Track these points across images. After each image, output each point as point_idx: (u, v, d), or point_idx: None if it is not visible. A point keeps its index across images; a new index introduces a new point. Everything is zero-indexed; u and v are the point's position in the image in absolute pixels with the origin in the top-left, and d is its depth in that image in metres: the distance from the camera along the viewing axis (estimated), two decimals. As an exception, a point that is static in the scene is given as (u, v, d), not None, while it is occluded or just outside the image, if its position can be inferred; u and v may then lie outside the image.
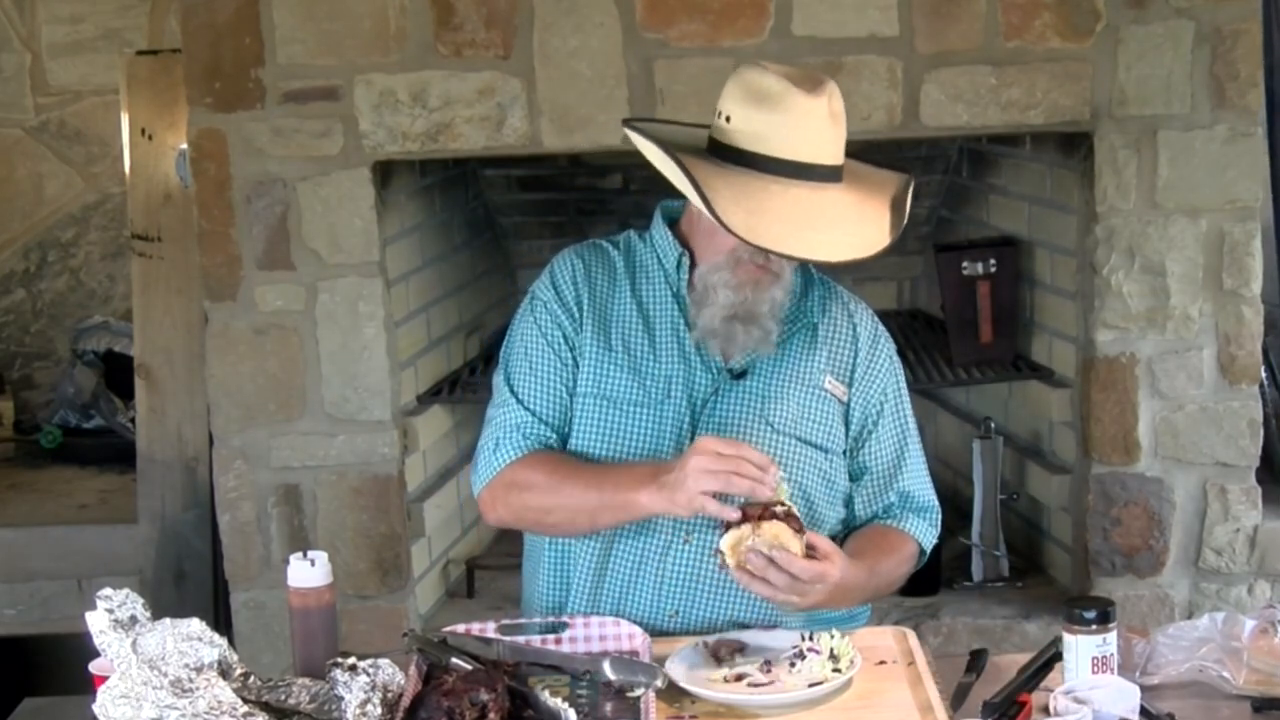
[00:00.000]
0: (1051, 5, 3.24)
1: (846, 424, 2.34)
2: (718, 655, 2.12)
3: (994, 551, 3.65)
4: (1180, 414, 3.40)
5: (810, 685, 2.00)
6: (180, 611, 2.04)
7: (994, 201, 3.90)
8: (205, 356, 3.43)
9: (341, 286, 3.34)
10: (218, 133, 3.30)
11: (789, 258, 2.15)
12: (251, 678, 1.96)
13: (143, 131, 3.95)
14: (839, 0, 3.23)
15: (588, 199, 4.12)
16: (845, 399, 2.34)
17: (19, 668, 4.03)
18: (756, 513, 2.05)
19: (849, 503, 2.36)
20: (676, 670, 2.03)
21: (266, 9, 3.24)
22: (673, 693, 2.00)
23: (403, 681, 1.96)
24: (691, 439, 2.25)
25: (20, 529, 4.11)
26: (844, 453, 2.34)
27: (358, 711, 1.87)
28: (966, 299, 3.71)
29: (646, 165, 2.21)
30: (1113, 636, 1.95)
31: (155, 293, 3.98)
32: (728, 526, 2.07)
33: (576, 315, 2.32)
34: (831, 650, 2.07)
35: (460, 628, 2.14)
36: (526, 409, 2.31)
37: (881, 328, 2.41)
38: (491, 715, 1.85)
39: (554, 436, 2.31)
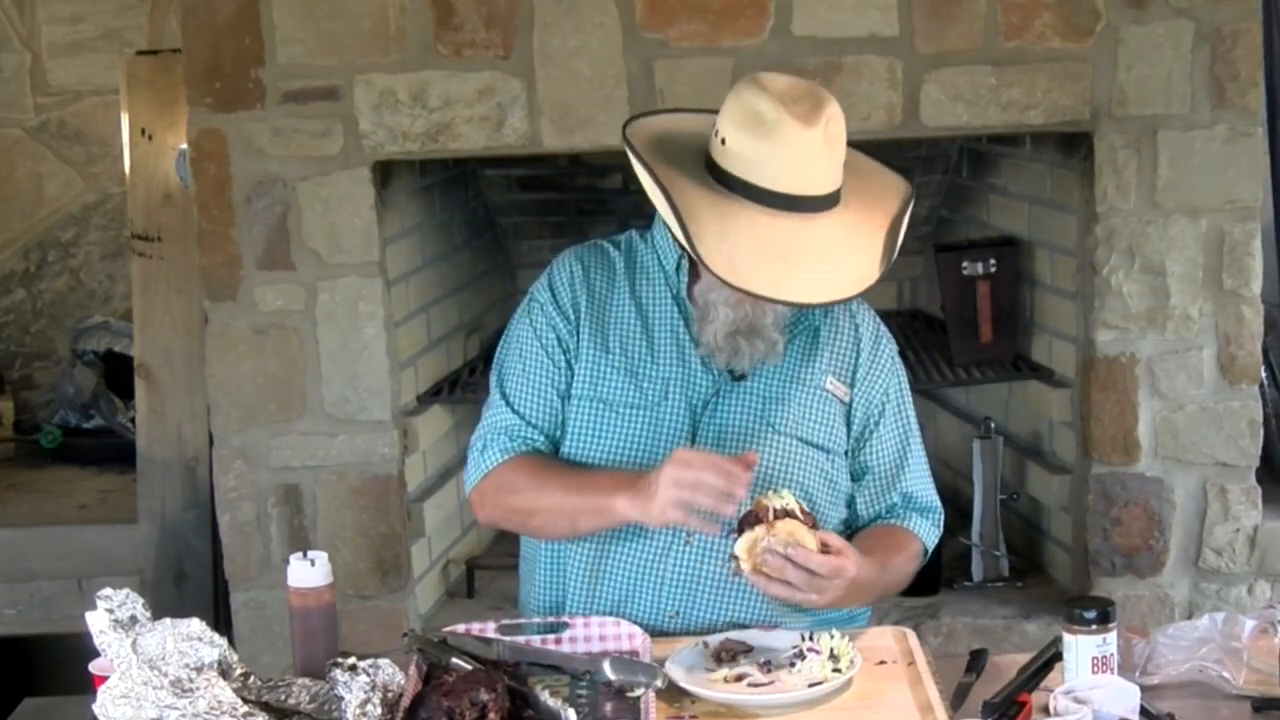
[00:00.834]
0: (1051, 5, 3.24)
1: (848, 424, 2.34)
2: (718, 655, 2.12)
3: (994, 551, 3.65)
4: (1180, 414, 3.40)
5: (810, 685, 2.00)
6: (180, 611, 2.04)
7: (994, 201, 3.90)
8: (205, 356, 3.43)
9: (341, 286, 3.34)
10: (218, 133, 3.30)
11: (771, 301, 2.11)
12: (251, 678, 1.96)
13: (143, 131, 3.95)
14: (839, 0, 3.23)
15: (588, 199, 4.12)
16: (847, 399, 2.33)
17: (19, 668, 4.03)
18: (768, 515, 2.05)
19: (851, 503, 2.36)
20: (676, 670, 2.03)
21: (266, 9, 3.24)
22: (673, 693, 2.00)
23: (403, 681, 1.96)
24: (692, 442, 2.25)
25: (20, 529, 4.11)
26: (846, 453, 2.34)
27: (358, 711, 1.87)
28: (966, 299, 3.71)
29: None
30: (1113, 636, 1.95)
31: (155, 293, 3.98)
32: (740, 531, 2.07)
33: (573, 319, 2.32)
34: (831, 650, 2.07)
35: (460, 628, 2.15)
36: (515, 412, 2.31)
37: (884, 328, 2.41)
38: (491, 715, 1.85)
39: (541, 439, 2.31)
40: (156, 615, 1.96)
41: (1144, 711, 1.88)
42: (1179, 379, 3.39)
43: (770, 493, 2.10)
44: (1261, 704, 1.97)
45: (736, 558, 2.07)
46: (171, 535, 3.93)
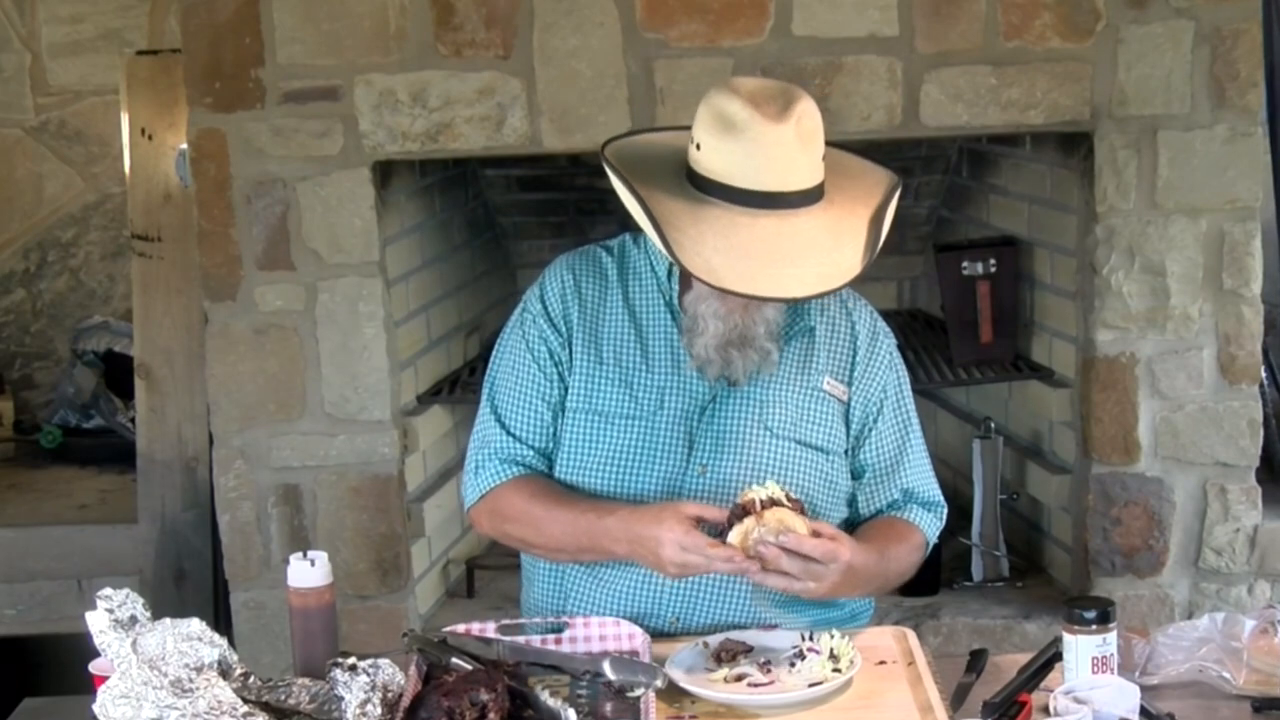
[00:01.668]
0: (1051, 5, 3.24)
1: (847, 423, 2.33)
2: (718, 655, 2.11)
3: (994, 551, 3.65)
4: (1180, 414, 3.40)
5: (810, 685, 2.00)
6: (180, 611, 2.04)
7: (994, 201, 3.90)
8: (205, 356, 3.43)
9: (341, 286, 3.34)
10: (218, 133, 3.30)
11: (753, 298, 2.10)
12: (251, 678, 1.96)
13: (143, 131, 3.95)
14: (839, 0, 3.23)
15: (588, 199, 4.12)
16: (846, 398, 2.33)
17: (19, 668, 4.03)
18: (756, 507, 2.05)
19: (852, 502, 2.36)
20: (676, 670, 2.03)
21: (266, 9, 3.24)
22: (673, 693, 2.00)
23: (403, 681, 1.96)
24: (689, 450, 2.25)
25: (20, 529, 4.11)
26: (846, 452, 2.34)
27: (358, 711, 1.87)
28: (966, 299, 3.71)
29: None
30: (1113, 636, 1.95)
31: (155, 293, 3.98)
32: (730, 524, 2.07)
33: (564, 332, 2.31)
34: (831, 650, 2.07)
35: (460, 628, 2.15)
36: (506, 429, 2.32)
37: (881, 324, 2.39)
38: (491, 715, 1.85)
39: (533, 455, 2.31)
40: (156, 615, 1.96)
41: (1144, 711, 1.88)
42: (1179, 379, 3.39)
43: (754, 485, 2.09)
44: (1261, 704, 1.97)
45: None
46: (171, 535, 3.93)
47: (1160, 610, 3.45)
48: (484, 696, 1.87)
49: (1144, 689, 1.92)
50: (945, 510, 2.41)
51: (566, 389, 2.31)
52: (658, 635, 2.21)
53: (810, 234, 2.10)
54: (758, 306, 2.17)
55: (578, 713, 1.87)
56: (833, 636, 2.10)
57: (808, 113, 2.10)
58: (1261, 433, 3.44)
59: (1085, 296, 3.42)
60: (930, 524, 2.36)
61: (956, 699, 2.01)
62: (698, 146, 2.13)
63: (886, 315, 2.46)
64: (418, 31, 3.24)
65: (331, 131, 3.28)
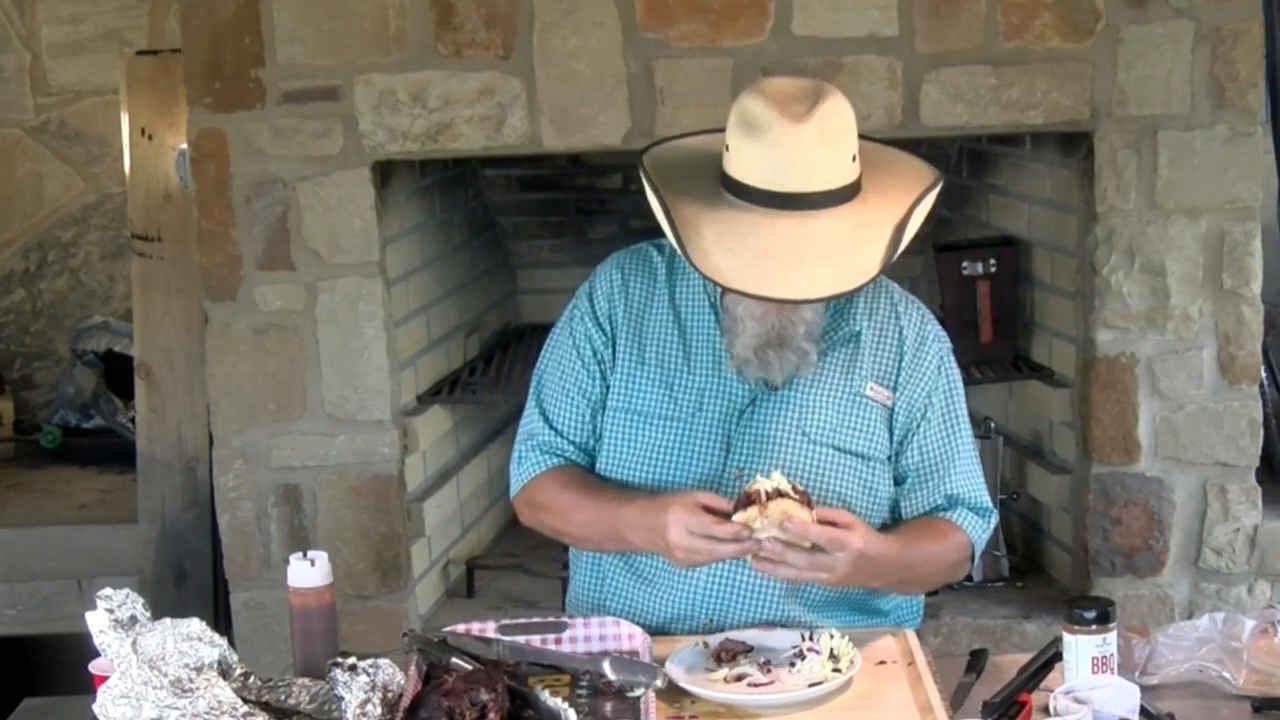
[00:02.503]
0: (1051, 5, 3.24)
1: (891, 429, 2.31)
2: (718, 655, 2.11)
3: (994, 551, 3.65)
4: (1180, 414, 3.40)
5: (810, 685, 2.00)
6: (180, 611, 2.04)
7: (994, 201, 3.91)
8: (205, 356, 3.43)
9: (341, 286, 3.34)
10: (218, 133, 3.30)
11: (763, 299, 2.11)
12: (251, 678, 1.97)
13: (143, 131, 3.95)
14: (839, 0, 3.23)
15: (588, 199, 4.12)
16: (890, 403, 2.30)
17: (19, 668, 4.03)
18: (761, 498, 2.04)
19: (895, 507, 2.33)
20: (676, 670, 2.03)
21: (266, 9, 3.24)
22: (673, 693, 2.00)
23: (403, 681, 1.96)
24: (727, 452, 2.25)
25: (20, 529, 4.11)
26: (889, 458, 2.31)
27: (358, 711, 1.87)
28: (966, 299, 3.71)
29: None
30: (1113, 636, 1.95)
31: (155, 293, 3.98)
32: (735, 512, 2.06)
33: (608, 331, 2.32)
34: (831, 650, 2.07)
35: (460, 628, 2.15)
36: (550, 424, 2.34)
37: (933, 328, 2.36)
38: (491, 715, 1.85)
39: (573, 449, 2.34)
40: (156, 615, 1.96)
41: (1144, 711, 1.88)
42: (1179, 379, 3.39)
43: (760, 476, 2.09)
44: (1261, 704, 1.97)
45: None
46: (171, 535, 3.93)
47: (1160, 610, 3.45)
48: (484, 696, 1.87)
49: (1144, 689, 1.92)
50: (995, 516, 2.37)
51: (608, 387, 2.32)
52: (692, 634, 2.21)
53: (832, 235, 2.10)
54: (793, 308, 2.17)
55: (578, 713, 1.87)
56: (833, 636, 2.10)
57: (834, 111, 2.10)
58: (1261, 433, 3.44)
59: (1085, 296, 3.42)
60: (976, 527, 2.31)
61: (956, 699, 2.01)
62: (727, 148, 2.15)
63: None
64: (418, 31, 3.24)
65: (331, 131, 3.28)
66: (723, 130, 2.19)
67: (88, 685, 1.93)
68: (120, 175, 4.32)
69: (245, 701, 1.87)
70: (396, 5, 3.23)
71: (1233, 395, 3.40)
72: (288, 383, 3.38)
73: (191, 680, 1.86)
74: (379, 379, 3.38)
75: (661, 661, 2.05)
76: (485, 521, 4.00)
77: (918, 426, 2.31)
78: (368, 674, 1.93)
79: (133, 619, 1.92)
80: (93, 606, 1.91)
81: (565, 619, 2.20)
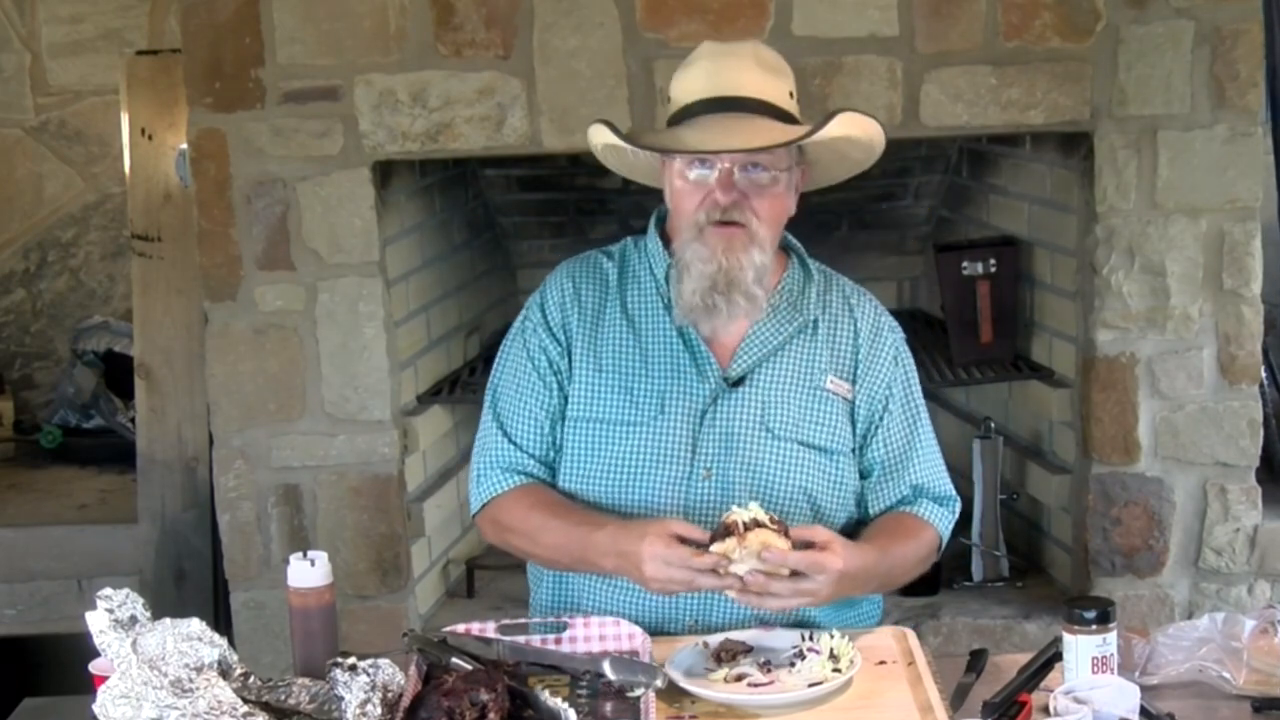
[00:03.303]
0: (1051, 5, 3.24)
1: (853, 422, 2.32)
2: (718, 655, 2.11)
3: (994, 551, 3.65)
4: (1180, 414, 3.40)
5: (810, 685, 2.00)
6: (180, 611, 2.04)
7: (994, 201, 3.90)
8: (205, 356, 3.43)
9: (341, 286, 3.34)
10: (218, 133, 3.30)
11: (696, 153, 2.17)
12: (251, 678, 1.97)
13: (143, 131, 3.95)
14: (839, 0, 3.23)
15: (588, 199, 4.12)
16: (850, 396, 2.32)
17: (19, 668, 4.03)
18: (739, 529, 2.04)
19: (861, 500, 2.34)
20: (676, 670, 2.03)
21: (266, 9, 3.24)
22: (673, 693, 2.00)
23: (403, 681, 1.96)
24: (693, 453, 2.24)
25: (20, 529, 4.11)
26: (853, 451, 2.32)
27: (358, 711, 1.87)
28: (966, 299, 3.71)
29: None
30: (1113, 636, 1.95)
31: (155, 293, 3.98)
32: (712, 543, 2.05)
33: (563, 341, 2.32)
34: (831, 650, 2.07)
35: (460, 628, 2.15)
36: (509, 438, 2.33)
37: (886, 319, 2.38)
38: (491, 715, 1.85)
39: (533, 463, 2.32)
40: (156, 615, 1.96)
41: (1144, 711, 1.88)
42: (1179, 379, 3.39)
43: (736, 508, 2.08)
44: (1261, 704, 1.97)
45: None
46: (171, 535, 3.93)
47: (1160, 610, 3.45)
48: (484, 696, 1.87)
49: (1144, 689, 1.92)
50: (959, 504, 2.38)
51: (566, 398, 2.31)
52: (676, 634, 2.21)
53: (763, 124, 2.17)
54: (740, 245, 2.19)
55: (578, 713, 1.87)
56: (833, 636, 2.10)
57: (768, 52, 2.25)
58: (1261, 433, 3.44)
59: (1085, 296, 3.42)
60: (942, 518, 2.34)
61: (956, 699, 2.01)
62: (668, 100, 2.27)
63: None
64: (418, 31, 3.24)
65: (331, 131, 3.28)
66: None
67: (88, 685, 1.93)
68: (120, 175, 4.32)
69: (245, 701, 1.87)
70: (396, 5, 3.23)
71: (1233, 395, 3.40)
72: (288, 383, 3.38)
73: (191, 680, 1.86)
74: (379, 379, 3.38)
75: (661, 662, 2.05)
76: (485, 521, 3.99)
77: (880, 419, 2.33)
78: (368, 674, 1.93)
79: (133, 619, 1.92)
80: (93, 606, 1.91)
81: (565, 619, 2.20)
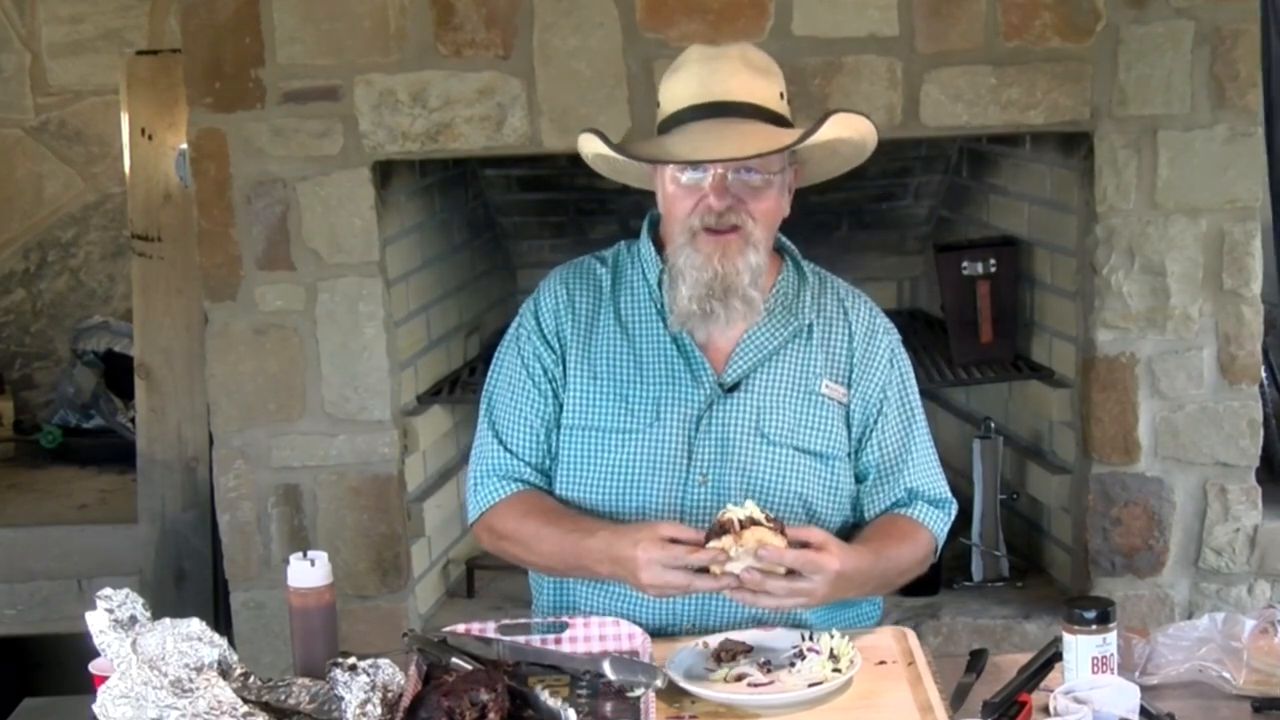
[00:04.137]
0: (1051, 5, 3.24)
1: (849, 425, 2.32)
2: (718, 655, 2.11)
3: (994, 551, 3.65)
4: (1180, 414, 3.41)
5: (810, 685, 2.00)
6: (180, 611, 2.04)
7: (994, 201, 3.91)
8: (205, 356, 3.43)
9: (341, 286, 3.34)
10: (218, 133, 3.30)
11: (688, 162, 2.16)
12: (251, 678, 1.97)
13: (143, 131, 3.95)
14: (839, 0, 3.23)
15: (588, 199, 4.12)
16: (846, 400, 2.31)
17: (19, 668, 4.03)
18: (734, 527, 2.04)
19: (857, 504, 2.34)
20: (676, 670, 2.03)
21: (266, 9, 3.24)
22: (673, 693, 2.00)
23: (403, 681, 1.97)
24: (689, 460, 2.24)
25: (20, 529, 4.11)
26: (848, 455, 2.32)
27: (358, 711, 1.87)
28: (966, 299, 3.71)
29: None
30: (1113, 636, 1.95)
31: (155, 293, 3.98)
32: (707, 542, 2.05)
33: (557, 349, 2.31)
34: (831, 650, 2.07)
35: (460, 628, 2.15)
36: (505, 447, 2.32)
37: (881, 320, 2.37)
38: (491, 715, 1.85)
39: (529, 471, 2.32)
40: (156, 615, 1.96)
41: (1144, 711, 1.88)
42: (1179, 379, 3.39)
43: (731, 505, 2.08)
44: (1261, 704, 1.97)
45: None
46: (171, 535, 3.93)
47: (1160, 610, 3.45)
48: (484, 696, 1.87)
49: (1144, 689, 1.92)
50: (954, 506, 2.38)
51: (561, 405, 2.31)
52: (673, 634, 2.21)
53: (754, 128, 2.16)
54: (735, 249, 2.18)
55: (578, 713, 1.87)
56: (833, 636, 2.10)
57: (757, 53, 2.23)
58: (1261, 433, 3.44)
59: (1085, 296, 3.42)
60: (937, 521, 2.33)
61: (956, 699, 2.01)
62: (658, 105, 2.24)
63: (886, 315, 2.44)
64: (418, 31, 3.24)
65: (331, 131, 3.28)
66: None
67: (88, 685, 1.93)
68: (120, 175, 4.32)
69: (245, 701, 1.88)
70: (396, 5, 3.23)
71: (1233, 395, 3.40)
72: (288, 383, 3.38)
73: (191, 680, 1.86)
74: (379, 379, 3.38)
75: (661, 662, 2.05)
76: (485, 521, 3.99)
77: (875, 422, 2.32)
78: (368, 674, 1.93)
79: (133, 619, 1.92)
80: (93, 606, 1.91)
81: (565, 619, 2.20)
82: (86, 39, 4.95)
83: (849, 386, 2.31)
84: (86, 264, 5.07)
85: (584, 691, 2.03)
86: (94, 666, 1.95)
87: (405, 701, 1.90)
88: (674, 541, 2.07)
